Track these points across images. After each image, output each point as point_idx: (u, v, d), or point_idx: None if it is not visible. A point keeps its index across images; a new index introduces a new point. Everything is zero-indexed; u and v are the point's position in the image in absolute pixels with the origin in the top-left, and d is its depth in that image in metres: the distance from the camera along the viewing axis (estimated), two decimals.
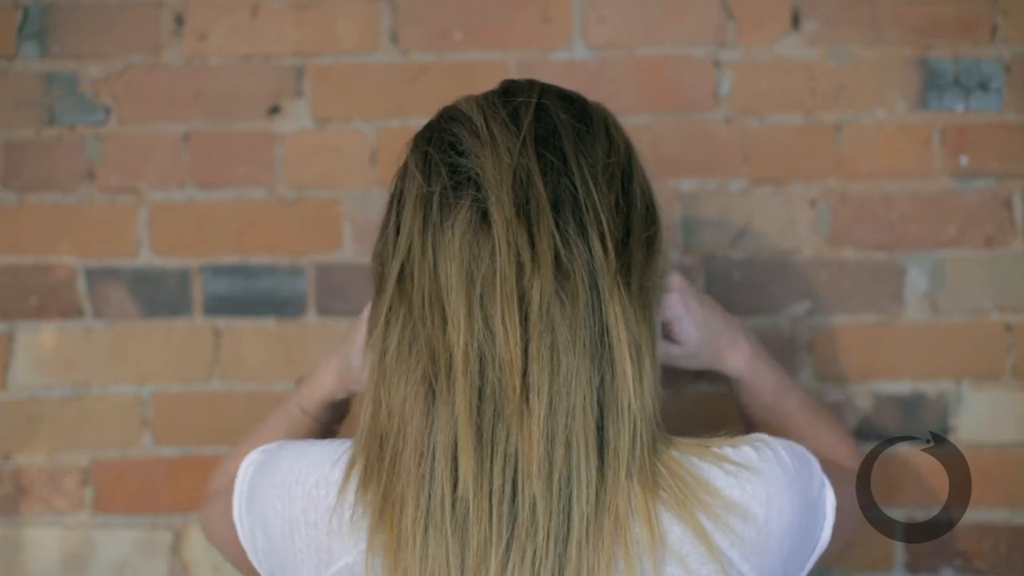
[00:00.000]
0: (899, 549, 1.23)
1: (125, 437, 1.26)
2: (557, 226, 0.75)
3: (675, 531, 0.76)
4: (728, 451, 0.80)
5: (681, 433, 0.84)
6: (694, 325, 0.92)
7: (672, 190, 1.23)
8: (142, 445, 1.26)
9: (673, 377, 1.23)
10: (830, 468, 0.91)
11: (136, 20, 1.25)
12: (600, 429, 0.75)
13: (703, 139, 1.23)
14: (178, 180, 1.25)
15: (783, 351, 1.22)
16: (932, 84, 1.23)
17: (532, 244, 0.74)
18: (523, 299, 0.74)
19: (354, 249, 1.24)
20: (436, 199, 0.77)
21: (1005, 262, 1.23)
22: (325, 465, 0.81)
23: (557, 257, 0.75)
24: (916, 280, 1.23)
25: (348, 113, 1.25)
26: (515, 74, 1.23)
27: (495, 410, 0.74)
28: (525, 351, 0.74)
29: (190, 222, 1.25)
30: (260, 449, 0.89)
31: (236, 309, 1.25)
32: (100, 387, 1.26)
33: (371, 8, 1.25)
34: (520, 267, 0.74)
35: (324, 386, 0.97)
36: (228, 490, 0.93)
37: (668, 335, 0.93)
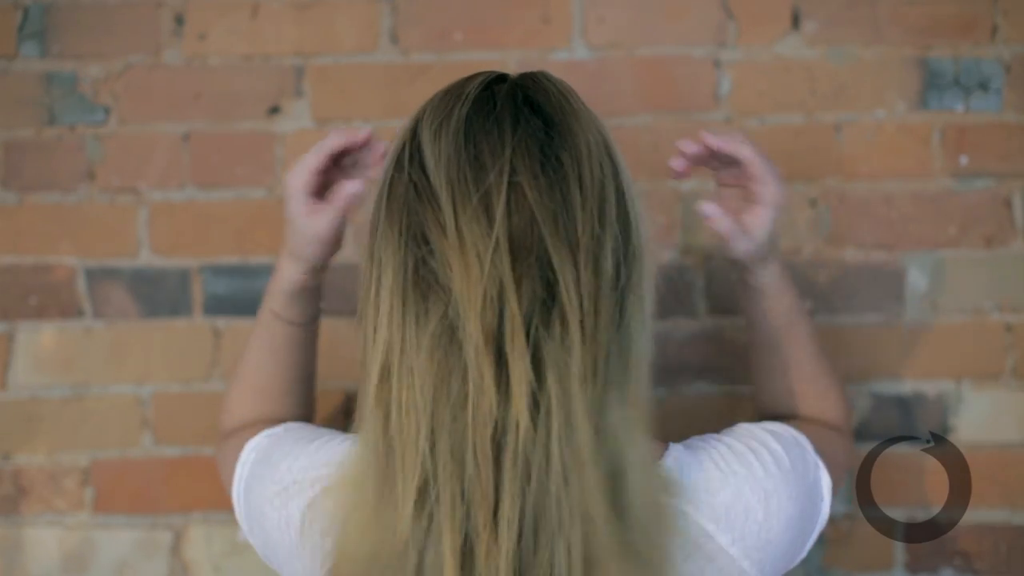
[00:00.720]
0: (899, 549, 1.23)
1: (125, 437, 1.26)
2: (534, 358, 0.69)
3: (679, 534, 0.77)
4: (725, 452, 0.81)
5: (681, 433, 0.84)
6: (770, 227, 0.91)
7: (672, 190, 1.23)
8: (142, 445, 1.26)
9: (673, 377, 1.23)
10: (815, 426, 0.94)
11: (136, 20, 1.25)
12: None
13: None
14: (178, 180, 1.25)
15: None
16: (932, 84, 1.23)
17: (506, 375, 0.68)
18: (496, 431, 0.69)
19: (354, 249, 1.24)
20: (411, 298, 0.71)
21: (1005, 262, 1.23)
22: (319, 466, 0.82)
23: (531, 385, 0.69)
24: (916, 280, 1.23)
25: (348, 113, 1.25)
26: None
27: (466, 541, 0.70)
28: (497, 487, 0.69)
29: (190, 222, 1.25)
30: (265, 434, 0.91)
31: (236, 309, 1.25)
32: (100, 387, 1.26)
33: (371, 8, 1.25)
34: (490, 400, 0.69)
35: (283, 273, 0.96)
36: (232, 438, 0.98)
37: (744, 227, 0.92)
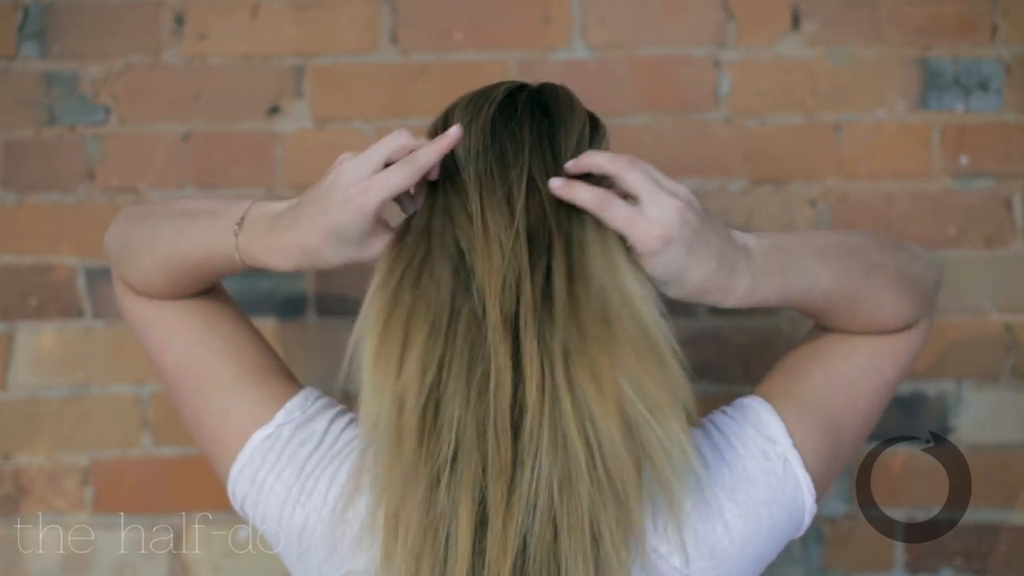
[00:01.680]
0: (899, 549, 1.23)
1: (125, 437, 1.26)
2: (542, 338, 0.75)
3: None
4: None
5: None
6: (672, 266, 0.77)
7: None
8: (142, 445, 1.26)
9: None
10: (855, 347, 0.93)
11: (136, 20, 1.25)
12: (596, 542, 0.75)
13: (703, 139, 1.23)
14: (178, 180, 1.25)
15: (783, 351, 1.22)
16: (932, 84, 1.23)
17: (518, 355, 0.74)
18: (513, 409, 0.74)
19: None
20: (446, 282, 0.77)
21: (1005, 262, 1.23)
22: (343, 475, 0.82)
23: (542, 366, 0.74)
24: None
25: (348, 113, 1.25)
26: (515, 74, 1.23)
27: (484, 509, 0.74)
28: (513, 462, 0.74)
29: None
30: (278, 422, 0.88)
31: None
32: (100, 387, 1.26)
33: (371, 8, 1.25)
34: (508, 380, 0.74)
35: (277, 264, 0.83)
36: (148, 313, 0.96)
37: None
